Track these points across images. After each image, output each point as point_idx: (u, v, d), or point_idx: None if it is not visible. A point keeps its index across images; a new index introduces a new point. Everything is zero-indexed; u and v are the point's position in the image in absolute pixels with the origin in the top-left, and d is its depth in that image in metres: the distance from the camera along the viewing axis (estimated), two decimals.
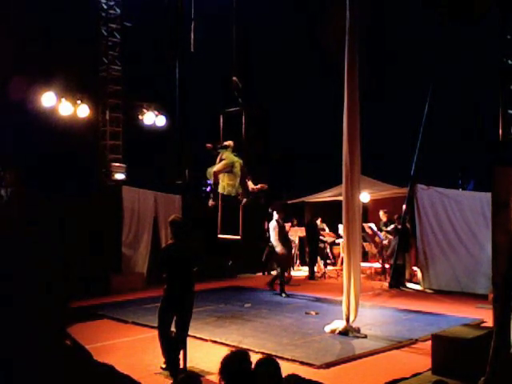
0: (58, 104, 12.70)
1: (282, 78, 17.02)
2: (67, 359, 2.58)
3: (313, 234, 14.86)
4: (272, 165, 17.04)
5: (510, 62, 6.49)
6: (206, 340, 7.82)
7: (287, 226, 14.91)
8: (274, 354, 6.71)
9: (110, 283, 12.09)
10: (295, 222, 15.52)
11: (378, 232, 14.00)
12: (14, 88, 11.62)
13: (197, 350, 7.18)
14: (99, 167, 14.17)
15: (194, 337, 7.62)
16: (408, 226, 12.84)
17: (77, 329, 7.63)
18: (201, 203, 15.13)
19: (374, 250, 14.21)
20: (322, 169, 15.73)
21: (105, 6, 13.98)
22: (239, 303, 10.78)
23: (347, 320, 8.03)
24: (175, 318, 6.45)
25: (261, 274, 15.42)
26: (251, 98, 8.50)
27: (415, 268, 13.02)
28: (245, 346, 7.39)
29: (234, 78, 8.13)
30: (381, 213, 14.47)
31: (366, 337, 7.92)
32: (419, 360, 6.84)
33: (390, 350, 7.40)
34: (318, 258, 15.15)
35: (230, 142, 8.60)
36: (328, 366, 6.64)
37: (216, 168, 8.40)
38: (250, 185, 8.68)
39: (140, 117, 14.31)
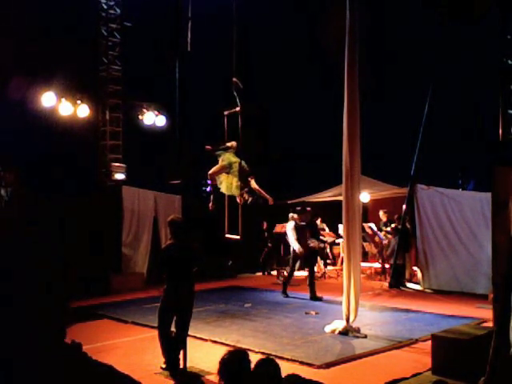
0: (58, 104, 12.70)
1: (281, 78, 17.03)
2: (67, 359, 2.58)
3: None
4: (272, 165, 17.06)
5: (510, 61, 6.50)
6: (206, 340, 7.82)
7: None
8: (273, 353, 6.72)
9: (110, 283, 12.09)
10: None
11: (378, 232, 14.00)
12: (14, 88, 11.62)
13: (197, 349, 7.18)
14: (99, 167, 14.17)
15: (194, 337, 7.62)
16: (408, 225, 12.84)
17: (77, 329, 7.64)
18: (201, 203, 15.18)
19: (374, 250, 14.21)
20: (322, 169, 15.74)
21: (105, 6, 13.98)
22: (239, 303, 10.78)
23: (347, 320, 8.03)
24: (175, 317, 6.45)
25: (261, 273, 15.43)
26: (251, 98, 8.48)
27: (415, 268, 13.01)
28: (244, 346, 7.40)
29: (235, 79, 8.12)
30: (381, 213, 14.47)
31: (366, 337, 7.92)
32: (419, 360, 6.84)
33: (389, 350, 7.40)
34: (318, 258, 15.14)
35: (232, 143, 8.58)
36: (328, 365, 6.63)
37: (211, 170, 8.38)
38: (253, 184, 8.65)
39: (140, 117, 14.31)
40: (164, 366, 6.45)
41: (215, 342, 7.74)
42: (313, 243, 12.28)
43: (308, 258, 11.98)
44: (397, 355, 7.21)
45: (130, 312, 9.79)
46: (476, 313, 9.52)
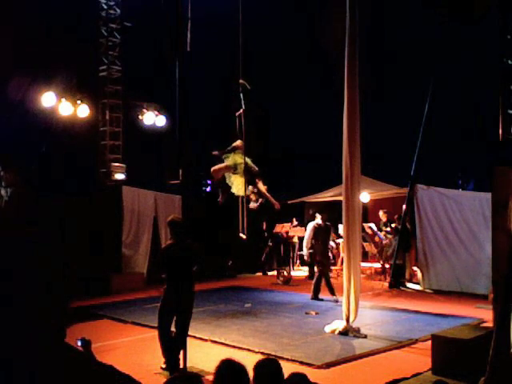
0: (58, 104, 12.70)
1: (282, 78, 17.03)
2: (67, 359, 2.58)
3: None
4: (272, 165, 17.06)
5: (510, 62, 6.49)
6: (206, 340, 7.82)
7: (287, 225, 14.96)
8: (273, 353, 6.73)
9: (110, 283, 12.09)
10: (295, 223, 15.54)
11: (378, 232, 14.00)
12: (14, 88, 11.62)
13: (197, 350, 7.18)
14: (99, 167, 14.18)
15: (194, 337, 7.61)
16: (408, 225, 12.85)
17: (77, 329, 7.63)
18: (201, 203, 15.19)
19: (374, 250, 14.21)
20: (322, 169, 15.75)
21: (105, 6, 13.98)
22: (239, 303, 10.78)
23: (347, 320, 8.02)
24: (175, 318, 6.45)
25: (261, 273, 15.43)
26: (251, 98, 8.47)
27: (415, 268, 13.02)
28: (245, 346, 7.41)
29: (242, 81, 8.11)
30: (380, 213, 14.48)
31: (366, 337, 7.92)
32: (419, 360, 6.84)
33: (390, 350, 7.40)
34: None
35: (238, 143, 8.57)
36: (328, 365, 6.63)
37: (215, 167, 8.38)
38: (261, 187, 8.64)
39: (140, 117, 14.31)
40: (164, 366, 6.45)
41: (215, 342, 7.74)
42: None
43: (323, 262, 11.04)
44: (397, 355, 7.21)
45: (130, 312, 9.79)
46: (476, 313, 9.52)
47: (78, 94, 13.06)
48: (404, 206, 12.79)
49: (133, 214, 13.10)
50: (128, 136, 14.44)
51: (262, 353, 6.98)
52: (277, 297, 11.65)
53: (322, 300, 10.95)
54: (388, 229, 13.78)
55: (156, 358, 6.68)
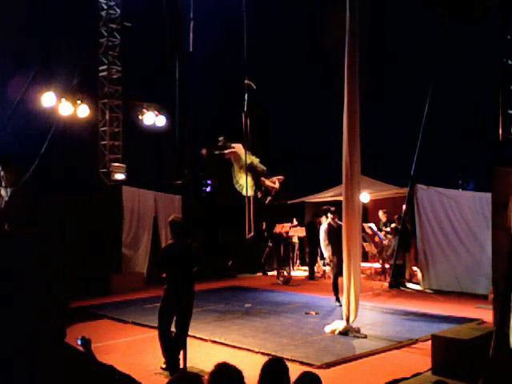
0: (58, 104, 12.70)
1: (282, 78, 17.03)
2: (67, 359, 2.58)
3: (313, 234, 14.86)
4: (272, 165, 17.04)
5: (510, 61, 6.49)
6: (206, 340, 7.82)
7: (287, 225, 14.95)
8: (273, 354, 6.72)
9: (110, 283, 12.09)
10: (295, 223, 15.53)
11: (378, 232, 14.00)
12: (14, 88, 11.62)
13: (197, 350, 7.18)
14: (99, 167, 14.18)
15: (194, 337, 7.61)
16: (408, 226, 12.84)
17: (77, 329, 7.62)
18: (201, 203, 15.20)
19: (374, 250, 14.21)
20: (322, 169, 15.74)
21: (105, 6, 13.99)
22: (239, 303, 10.78)
23: (347, 320, 8.02)
24: (175, 318, 6.45)
25: (261, 274, 15.43)
26: (251, 98, 8.47)
27: (415, 268, 13.01)
28: (245, 346, 7.41)
29: (247, 81, 8.10)
30: (380, 213, 14.47)
31: (366, 337, 7.92)
32: (419, 360, 6.84)
33: (390, 350, 7.39)
34: (318, 258, 15.15)
35: (236, 148, 8.55)
36: (328, 365, 6.63)
37: (228, 150, 8.34)
38: (268, 183, 8.62)
39: (140, 117, 14.31)
40: (164, 366, 6.45)
41: (215, 342, 7.74)
42: None
43: (335, 265, 10.41)
44: (397, 355, 7.21)
45: (130, 312, 9.79)
46: (476, 313, 9.51)
47: (78, 93, 13.06)
48: (404, 206, 12.79)
49: (133, 214, 13.10)
50: (128, 136, 14.45)
51: (262, 353, 6.98)
52: (277, 297, 11.65)
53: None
54: (388, 229, 13.78)
55: (156, 358, 6.68)
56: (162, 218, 13.41)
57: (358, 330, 8.05)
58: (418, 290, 12.31)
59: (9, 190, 10.34)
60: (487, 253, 9.20)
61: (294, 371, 3.41)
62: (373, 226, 14.10)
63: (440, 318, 9.25)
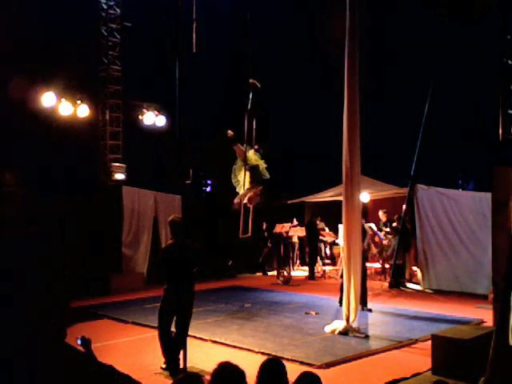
0: (58, 104, 12.70)
1: (282, 78, 17.02)
2: (67, 359, 2.58)
3: (313, 233, 14.87)
4: (272, 165, 17.03)
5: (510, 62, 6.49)
6: (206, 340, 7.82)
7: (287, 225, 14.95)
8: (273, 353, 6.73)
9: (110, 283, 12.08)
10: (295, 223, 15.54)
11: (378, 232, 13.99)
12: (14, 88, 11.62)
13: (197, 350, 7.18)
14: (99, 167, 14.18)
15: (194, 337, 7.62)
16: (408, 225, 12.84)
17: (77, 329, 7.62)
18: (201, 203, 15.19)
19: (374, 250, 14.20)
20: (322, 169, 15.73)
21: (105, 6, 13.98)
22: (239, 303, 10.78)
23: (347, 320, 8.03)
24: (175, 318, 6.45)
25: (261, 274, 15.43)
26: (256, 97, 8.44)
27: (415, 268, 13.01)
28: (245, 346, 7.41)
29: (252, 80, 8.09)
30: (380, 213, 14.46)
31: (365, 337, 7.92)
32: (419, 360, 6.84)
33: (389, 350, 7.40)
34: (318, 258, 15.16)
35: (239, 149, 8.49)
36: (328, 365, 6.63)
37: (237, 145, 8.29)
38: (249, 197, 8.50)
39: (140, 117, 14.31)
40: (164, 366, 6.45)
41: (215, 341, 7.74)
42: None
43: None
44: (397, 355, 7.21)
45: (130, 312, 9.79)
46: (476, 313, 9.52)
47: (78, 93, 13.07)
48: (404, 206, 12.79)
49: (133, 214, 13.10)
50: (128, 136, 14.44)
51: (262, 353, 6.98)
52: (277, 297, 11.65)
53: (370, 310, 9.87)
54: (388, 229, 13.77)
55: (156, 358, 6.68)
56: (162, 217, 13.41)
57: (358, 330, 8.05)
58: (418, 290, 12.31)
59: (9, 190, 10.35)
60: (487, 253, 9.19)
61: (294, 371, 3.40)
62: (373, 225, 14.10)
63: (440, 317, 9.25)
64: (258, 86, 8.09)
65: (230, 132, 8.31)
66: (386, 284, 12.76)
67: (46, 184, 12.28)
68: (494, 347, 4.73)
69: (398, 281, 12.60)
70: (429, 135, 12.71)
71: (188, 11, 8.06)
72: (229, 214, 8.56)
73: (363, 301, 9.61)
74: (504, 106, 6.45)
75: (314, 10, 16.78)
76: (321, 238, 15.25)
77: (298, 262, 16.37)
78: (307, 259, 15.24)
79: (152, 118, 14.28)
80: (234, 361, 3.22)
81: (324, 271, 14.71)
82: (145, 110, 14.25)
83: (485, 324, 8.34)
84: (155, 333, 6.67)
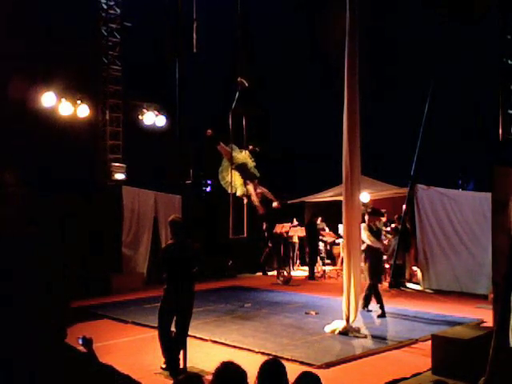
0: (58, 104, 12.70)
1: (282, 78, 17.03)
2: (67, 359, 2.58)
3: (313, 233, 14.87)
4: (272, 165, 17.05)
5: (510, 61, 6.49)
6: (206, 340, 7.82)
7: (287, 225, 14.95)
8: (273, 353, 6.73)
9: (110, 283, 12.09)
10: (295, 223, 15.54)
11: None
12: (14, 88, 11.62)
13: (197, 350, 7.18)
14: (99, 167, 14.18)
15: (194, 337, 7.62)
16: (408, 225, 12.84)
17: (77, 329, 7.62)
18: (201, 203, 15.19)
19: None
20: (322, 169, 15.74)
21: (105, 6, 13.98)
22: (239, 303, 10.78)
23: (347, 320, 8.03)
24: (175, 318, 6.45)
25: (261, 273, 15.43)
26: (251, 97, 8.44)
27: (415, 268, 13.01)
28: (245, 346, 7.41)
29: (240, 79, 8.08)
30: None
31: (366, 337, 7.92)
32: (419, 360, 6.84)
33: (389, 350, 7.40)
34: (318, 258, 15.15)
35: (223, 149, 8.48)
36: (328, 365, 6.63)
37: (222, 145, 8.29)
38: (250, 189, 8.52)
39: (140, 117, 14.31)
40: (164, 366, 6.45)
41: (215, 341, 7.74)
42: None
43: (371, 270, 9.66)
44: (397, 355, 7.21)
45: (130, 312, 9.79)
46: (476, 313, 9.52)
47: (78, 94, 13.07)
48: (404, 206, 12.78)
49: (133, 214, 13.09)
50: (128, 136, 14.44)
51: (262, 353, 6.98)
52: (277, 297, 11.65)
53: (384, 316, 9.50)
54: (388, 229, 13.77)
55: (156, 358, 6.68)
56: (162, 217, 13.41)
57: (357, 330, 8.05)
58: (418, 290, 12.31)
59: (9, 190, 10.35)
60: (487, 253, 9.18)
61: (294, 371, 3.41)
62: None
63: (440, 317, 9.25)
64: (246, 84, 8.08)
65: (208, 131, 8.32)
66: (386, 284, 12.76)
67: (46, 184, 12.27)
68: (493, 347, 4.73)
69: (398, 281, 12.60)
70: (429, 135, 12.70)
71: (188, 11, 8.07)
72: (228, 214, 8.54)
73: (366, 302, 9.59)
74: (504, 106, 6.45)
75: (314, 9, 16.77)
76: (321, 237, 15.25)
77: (298, 261, 16.38)
78: (307, 259, 15.24)
79: (152, 118, 14.28)
80: (234, 361, 3.22)
81: (324, 271, 14.71)
82: (145, 110, 14.25)
83: (485, 324, 8.34)
84: (155, 333, 6.67)
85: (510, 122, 6.50)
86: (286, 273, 14.00)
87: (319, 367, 6.53)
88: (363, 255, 9.44)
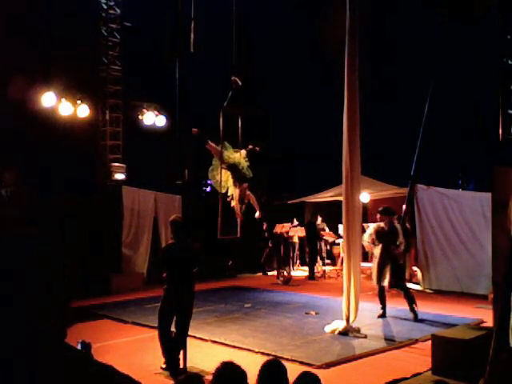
0: (58, 104, 12.70)
1: (282, 78, 17.03)
2: (67, 359, 2.58)
3: (313, 234, 14.86)
4: (272, 165, 17.05)
5: (510, 61, 6.49)
6: (206, 340, 7.82)
7: (287, 225, 14.95)
8: (273, 354, 6.73)
9: (110, 283, 12.09)
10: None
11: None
12: (14, 88, 11.62)
13: (197, 350, 7.18)
14: (99, 167, 14.18)
15: (194, 337, 7.61)
16: (408, 225, 12.83)
17: (77, 329, 7.62)
18: (201, 203, 15.19)
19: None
20: (322, 169, 15.74)
21: (105, 6, 13.98)
22: (239, 303, 10.78)
23: (347, 320, 8.02)
24: (175, 318, 6.45)
25: (261, 274, 15.43)
26: (252, 98, 8.45)
27: (415, 268, 13.00)
28: (245, 346, 7.41)
29: (234, 78, 8.09)
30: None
31: (366, 337, 7.92)
32: (419, 360, 6.84)
33: (390, 350, 7.40)
34: (318, 258, 15.15)
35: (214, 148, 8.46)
36: (328, 365, 6.63)
37: (211, 143, 8.28)
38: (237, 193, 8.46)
39: (140, 117, 14.31)
40: (164, 366, 6.45)
41: (215, 342, 7.74)
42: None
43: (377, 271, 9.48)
44: (397, 355, 7.21)
45: (130, 312, 9.79)
46: (476, 313, 9.51)
47: (78, 94, 13.07)
48: (404, 206, 12.77)
49: (133, 214, 13.09)
50: (128, 136, 14.44)
51: (262, 353, 6.98)
52: (277, 297, 11.64)
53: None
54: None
55: (156, 358, 6.68)
56: (162, 217, 13.41)
57: (358, 330, 8.05)
58: (418, 290, 12.29)
59: (9, 189, 10.36)
60: (487, 253, 9.18)
61: (294, 371, 3.40)
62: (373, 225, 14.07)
63: (440, 317, 9.24)
64: (240, 83, 8.07)
65: (194, 130, 8.32)
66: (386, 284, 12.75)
67: (46, 184, 12.28)
68: (493, 347, 4.74)
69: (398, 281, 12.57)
70: (429, 135, 12.70)
71: (188, 11, 8.07)
72: (228, 214, 8.54)
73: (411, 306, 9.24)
74: (504, 106, 6.45)
75: (314, 9, 16.77)
76: (321, 237, 15.24)
77: (298, 262, 16.37)
78: (307, 259, 15.24)
79: (152, 118, 14.27)
80: (234, 361, 3.22)
81: (324, 271, 14.71)
82: (145, 110, 14.24)
83: (485, 324, 8.33)
84: (155, 333, 6.67)
85: (510, 121, 6.50)
86: (286, 273, 14.00)
87: (319, 367, 6.53)
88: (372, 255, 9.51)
